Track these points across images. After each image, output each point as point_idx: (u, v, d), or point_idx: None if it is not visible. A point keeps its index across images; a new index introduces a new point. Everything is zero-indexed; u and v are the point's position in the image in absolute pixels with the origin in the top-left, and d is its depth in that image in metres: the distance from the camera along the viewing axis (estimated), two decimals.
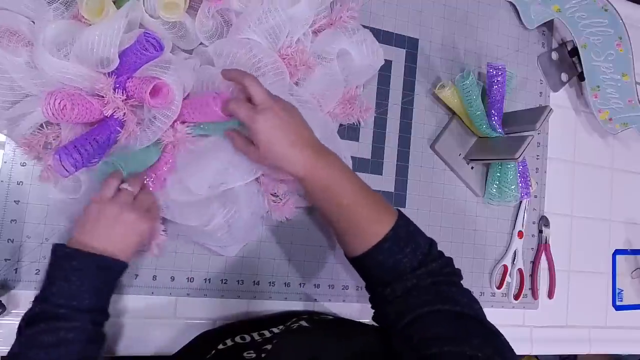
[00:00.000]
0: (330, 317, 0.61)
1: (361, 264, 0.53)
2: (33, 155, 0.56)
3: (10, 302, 0.56)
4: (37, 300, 0.49)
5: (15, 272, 0.57)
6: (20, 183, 0.57)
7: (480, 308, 0.48)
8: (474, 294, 0.50)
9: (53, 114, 0.49)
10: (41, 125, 0.55)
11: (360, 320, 0.63)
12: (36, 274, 0.57)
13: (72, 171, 0.50)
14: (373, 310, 0.54)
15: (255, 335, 0.54)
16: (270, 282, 0.66)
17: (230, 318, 0.65)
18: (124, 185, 0.53)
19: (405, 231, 0.52)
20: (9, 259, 0.57)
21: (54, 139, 0.55)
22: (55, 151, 0.50)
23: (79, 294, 0.48)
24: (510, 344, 0.43)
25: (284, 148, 0.51)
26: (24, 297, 0.57)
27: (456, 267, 0.53)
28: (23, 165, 0.58)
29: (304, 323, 0.53)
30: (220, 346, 0.52)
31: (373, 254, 0.50)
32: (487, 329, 0.45)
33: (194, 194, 0.57)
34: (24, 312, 0.49)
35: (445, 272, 0.51)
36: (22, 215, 0.57)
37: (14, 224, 0.57)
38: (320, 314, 0.63)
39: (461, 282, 0.51)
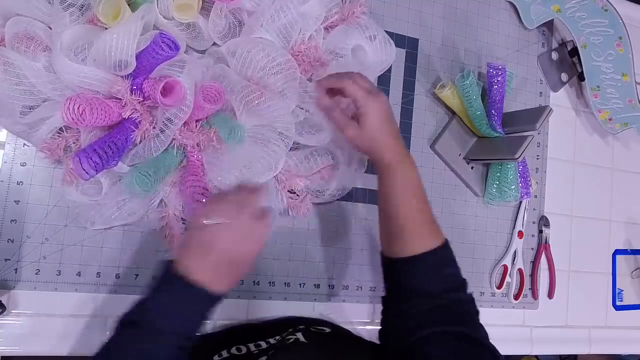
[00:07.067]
0: (327, 330, 0.60)
1: (396, 267, 0.54)
2: (54, 159, 0.56)
3: (10, 302, 0.56)
4: (139, 306, 0.46)
5: (15, 272, 0.57)
6: (20, 183, 0.57)
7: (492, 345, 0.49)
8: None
9: (73, 119, 0.50)
10: (60, 129, 0.55)
11: (357, 328, 0.63)
12: (36, 274, 0.57)
13: (92, 174, 0.51)
14: (380, 327, 0.54)
15: (252, 347, 0.54)
16: (270, 282, 0.66)
17: (230, 318, 0.64)
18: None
19: (449, 256, 0.54)
20: (9, 259, 0.57)
21: (73, 143, 0.56)
22: (75, 154, 0.51)
23: (172, 316, 0.45)
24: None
25: (385, 134, 0.56)
26: (24, 297, 0.57)
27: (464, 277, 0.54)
28: (23, 165, 0.58)
29: (300, 337, 0.52)
30: (216, 357, 0.52)
31: (413, 262, 0.52)
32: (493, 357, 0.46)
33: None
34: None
35: (467, 305, 0.52)
36: (22, 215, 0.57)
37: (14, 224, 0.57)
38: (318, 326, 0.60)
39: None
